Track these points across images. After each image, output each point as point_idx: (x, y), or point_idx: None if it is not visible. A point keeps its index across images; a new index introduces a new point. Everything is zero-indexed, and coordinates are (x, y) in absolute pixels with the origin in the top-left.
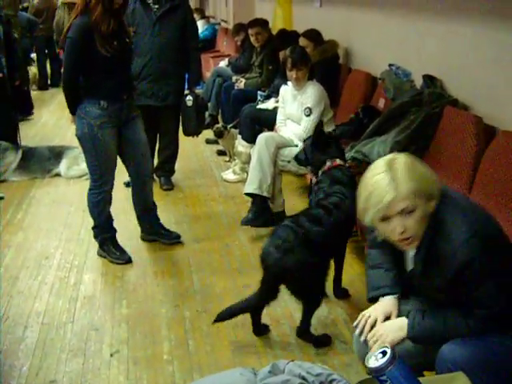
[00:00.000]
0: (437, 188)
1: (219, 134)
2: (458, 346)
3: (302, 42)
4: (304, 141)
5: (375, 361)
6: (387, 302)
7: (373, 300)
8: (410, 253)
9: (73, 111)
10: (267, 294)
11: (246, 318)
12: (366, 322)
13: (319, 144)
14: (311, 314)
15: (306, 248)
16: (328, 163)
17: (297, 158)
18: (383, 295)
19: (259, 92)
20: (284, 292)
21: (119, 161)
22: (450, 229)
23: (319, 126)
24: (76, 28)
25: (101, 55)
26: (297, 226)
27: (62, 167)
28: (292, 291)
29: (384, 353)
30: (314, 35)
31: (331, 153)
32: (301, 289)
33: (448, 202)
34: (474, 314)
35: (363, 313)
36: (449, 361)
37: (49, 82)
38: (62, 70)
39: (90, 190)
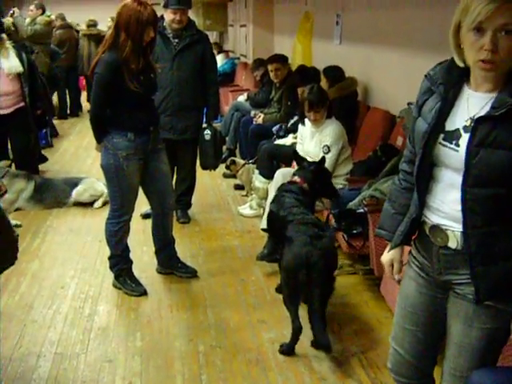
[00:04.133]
0: None
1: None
2: (486, 373)
3: (322, 78)
4: None
5: None
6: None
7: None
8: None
9: (99, 141)
10: None
11: (259, 354)
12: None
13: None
14: None
15: None
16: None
17: None
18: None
19: (274, 128)
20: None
21: (140, 192)
22: None
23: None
24: (104, 64)
25: (128, 90)
26: None
27: (75, 192)
28: None
29: None
30: (332, 73)
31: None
32: None
33: None
34: None
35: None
36: None
37: (68, 111)
38: (90, 104)
39: (108, 219)
